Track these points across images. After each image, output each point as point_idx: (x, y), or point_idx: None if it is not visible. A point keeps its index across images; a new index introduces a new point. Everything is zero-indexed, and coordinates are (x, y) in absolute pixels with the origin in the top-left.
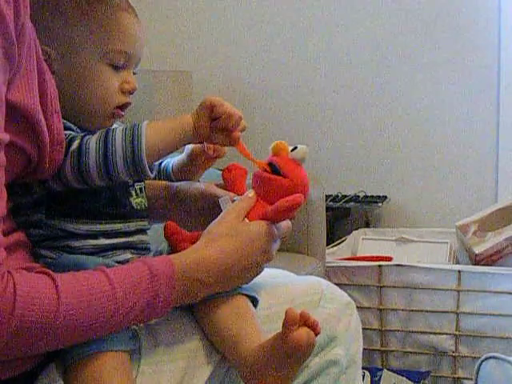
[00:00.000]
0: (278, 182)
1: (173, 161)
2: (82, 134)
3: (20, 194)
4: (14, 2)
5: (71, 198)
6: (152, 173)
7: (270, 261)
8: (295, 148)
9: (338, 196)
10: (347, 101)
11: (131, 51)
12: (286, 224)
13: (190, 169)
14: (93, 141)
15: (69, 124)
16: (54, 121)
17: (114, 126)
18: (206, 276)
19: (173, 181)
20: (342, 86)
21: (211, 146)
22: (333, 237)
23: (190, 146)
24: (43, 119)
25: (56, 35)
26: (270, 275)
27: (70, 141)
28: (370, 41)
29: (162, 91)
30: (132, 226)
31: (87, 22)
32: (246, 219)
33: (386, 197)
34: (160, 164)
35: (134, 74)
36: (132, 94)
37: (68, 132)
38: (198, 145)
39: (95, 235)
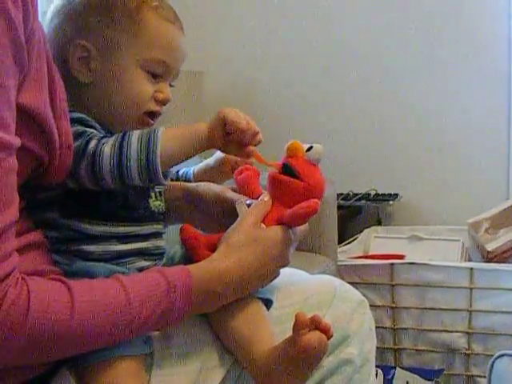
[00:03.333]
0: (293, 185)
1: (195, 167)
2: (101, 135)
3: (35, 190)
4: (23, 4)
5: (87, 198)
6: (166, 180)
7: (286, 266)
8: (310, 148)
9: (349, 194)
10: (358, 98)
11: (171, 62)
12: (302, 229)
13: (215, 174)
14: (109, 143)
15: (93, 123)
16: (63, 123)
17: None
18: (224, 288)
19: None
20: (353, 82)
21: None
22: (344, 235)
23: (220, 152)
24: (53, 122)
25: (100, 34)
26: (282, 274)
27: (88, 140)
28: (383, 37)
29: (173, 92)
30: (147, 229)
31: (134, 28)
32: (262, 224)
33: (397, 194)
34: (177, 172)
35: (170, 86)
36: (165, 104)
37: (90, 130)
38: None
39: (108, 238)
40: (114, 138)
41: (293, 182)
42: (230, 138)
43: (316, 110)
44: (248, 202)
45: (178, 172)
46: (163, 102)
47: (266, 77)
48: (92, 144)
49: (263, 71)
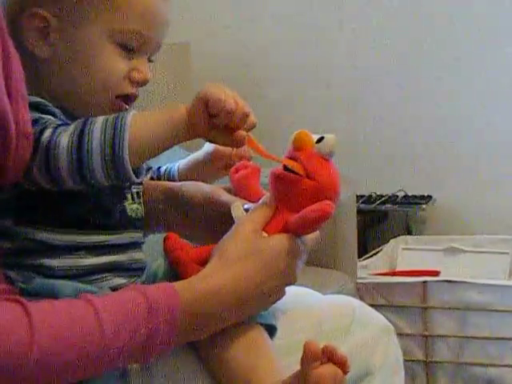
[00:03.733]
0: (301, 185)
1: (180, 162)
2: (59, 123)
3: None
4: None
5: (47, 200)
6: (138, 177)
7: (293, 283)
8: (321, 139)
9: (371, 196)
10: (384, 81)
11: (149, 33)
12: (312, 237)
13: (204, 172)
14: (67, 132)
15: (52, 109)
16: (20, 108)
17: None
18: (218, 309)
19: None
20: (383, 63)
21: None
22: (366, 247)
23: (210, 144)
24: (9, 107)
25: (61, 1)
26: (288, 295)
27: (43, 129)
28: (418, 29)
29: (154, 67)
30: (123, 238)
31: None
32: (263, 232)
33: (430, 197)
34: (159, 169)
35: (150, 61)
36: (142, 85)
37: (46, 117)
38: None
39: (76, 249)
40: (73, 125)
41: (300, 180)
42: (216, 123)
43: (326, 90)
44: (246, 205)
45: (159, 169)
46: (140, 83)
47: (266, 50)
48: (47, 133)
49: (263, 43)
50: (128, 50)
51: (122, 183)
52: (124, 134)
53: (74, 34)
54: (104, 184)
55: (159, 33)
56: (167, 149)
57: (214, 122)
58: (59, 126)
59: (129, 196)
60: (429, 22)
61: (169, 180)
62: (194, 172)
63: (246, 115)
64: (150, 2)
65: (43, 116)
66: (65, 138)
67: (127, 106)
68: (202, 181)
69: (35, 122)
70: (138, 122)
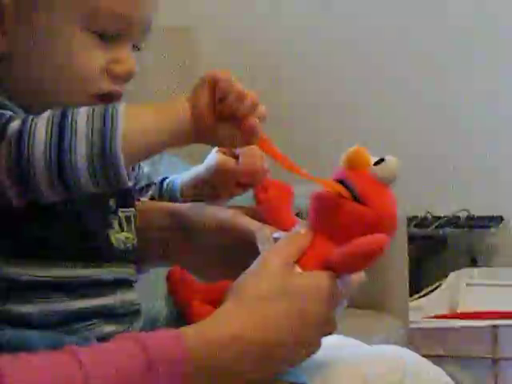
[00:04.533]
0: (354, 212)
1: (182, 177)
2: (27, 116)
3: None
4: None
5: (12, 225)
6: (129, 180)
7: (332, 332)
8: (381, 161)
9: (426, 218)
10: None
11: (130, 13)
12: (356, 278)
13: (208, 189)
14: (41, 123)
15: (14, 109)
16: None
17: None
18: (235, 363)
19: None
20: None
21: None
22: (420, 282)
23: (214, 153)
24: None
25: None
26: (327, 346)
27: (8, 120)
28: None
29: (154, 54)
30: (108, 274)
31: None
32: (297, 267)
33: (501, 218)
34: (162, 182)
35: (137, 49)
36: (127, 79)
37: (7, 112)
38: (226, 153)
39: (50, 289)
40: (48, 114)
41: (351, 206)
42: (222, 109)
43: (359, 85)
44: (276, 234)
45: (162, 182)
46: (123, 77)
47: (279, 35)
48: (15, 124)
49: (274, 27)
50: (105, 38)
51: (111, 187)
52: (116, 125)
53: (36, 21)
54: (89, 189)
55: (145, 12)
56: (166, 147)
57: (220, 108)
58: (27, 116)
59: (115, 222)
60: None
61: (171, 197)
62: (198, 192)
63: (256, 104)
64: None
65: (2, 111)
66: (41, 126)
67: None
68: (208, 202)
69: None
70: (131, 115)
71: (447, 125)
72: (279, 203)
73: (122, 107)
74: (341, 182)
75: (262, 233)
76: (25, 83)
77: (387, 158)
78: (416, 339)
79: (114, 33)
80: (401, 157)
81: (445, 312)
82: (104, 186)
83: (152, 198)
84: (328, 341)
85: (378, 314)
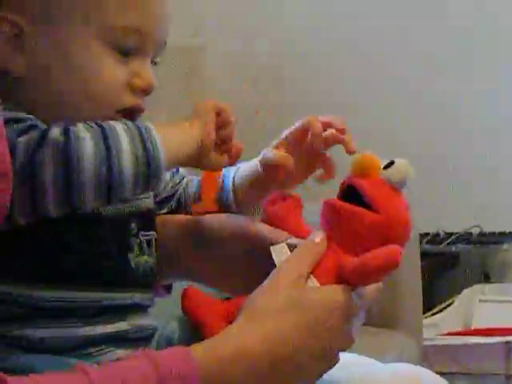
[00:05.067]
0: (364, 219)
1: (236, 170)
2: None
3: None
4: None
5: (26, 248)
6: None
7: (348, 348)
8: (391, 164)
9: (438, 235)
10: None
11: (149, 30)
12: (373, 289)
13: (262, 185)
14: (87, 134)
15: (40, 124)
16: None
17: None
18: (245, 378)
19: (230, 209)
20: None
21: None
22: (433, 299)
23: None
24: None
25: (32, 0)
26: (340, 365)
27: (47, 129)
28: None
29: (164, 73)
30: (124, 299)
31: None
32: (312, 279)
33: None
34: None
35: (154, 64)
36: (147, 93)
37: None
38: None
39: (64, 314)
40: (85, 126)
41: (363, 213)
42: (220, 136)
43: (369, 98)
44: (290, 240)
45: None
46: (145, 91)
47: (288, 53)
48: (55, 132)
49: (283, 45)
50: (125, 53)
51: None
52: (155, 138)
53: (56, 40)
54: (130, 196)
55: (162, 28)
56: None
57: (219, 135)
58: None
59: (135, 246)
60: None
61: (221, 199)
62: (254, 189)
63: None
64: None
65: (30, 116)
66: (88, 141)
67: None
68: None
69: (15, 121)
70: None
71: (448, 125)
72: (287, 214)
73: (152, 128)
74: (351, 188)
75: (279, 241)
76: (46, 104)
77: (397, 160)
78: (429, 356)
79: (133, 48)
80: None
81: (458, 328)
82: (145, 188)
83: (169, 212)
84: (341, 359)
85: (392, 332)
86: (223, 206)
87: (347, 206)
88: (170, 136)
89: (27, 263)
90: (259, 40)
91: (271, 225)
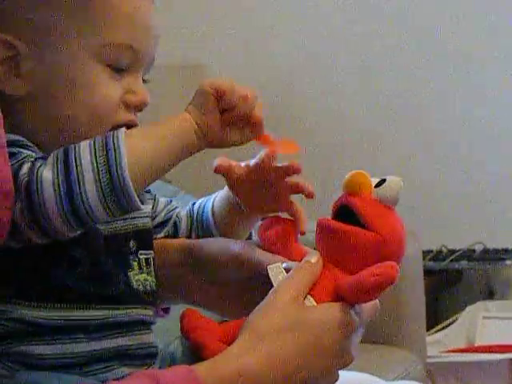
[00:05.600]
0: (358, 238)
1: (215, 196)
2: (37, 156)
3: None
4: None
5: (28, 268)
6: (142, 205)
7: (347, 365)
8: (382, 182)
9: (441, 252)
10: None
11: (140, 47)
12: (369, 307)
13: (235, 206)
14: (48, 163)
15: (34, 148)
16: None
17: None
18: None
19: (211, 234)
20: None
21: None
22: (436, 316)
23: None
24: None
25: (29, 19)
26: (344, 383)
27: (21, 165)
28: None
29: (168, 91)
30: (127, 316)
31: (80, 2)
32: (309, 298)
33: None
34: (193, 205)
35: (144, 81)
36: (141, 109)
37: (24, 152)
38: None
39: (70, 330)
40: (52, 155)
41: (357, 232)
42: (227, 117)
43: (368, 118)
44: (286, 264)
45: (192, 205)
46: (138, 107)
47: (288, 73)
48: (24, 169)
49: (284, 65)
50: (119, 69)
51: (128, 212)
52: (120, 150)
53: (52, 60)
54: (104, 220)
55: (152, 45)
56: (174, 165)
57: (227, 117)
58: (38, 158)
59: (135, 264)
60: None
61: (202, 225)
62: (231, 213)
63: (255, 96)
64: (138, 9)
65: (21, 150)
66: (47, 171)
67: None
68: (239, 230)
69: (11, 156)
70: (135, 136)
71: (461, 157)
72: (282, 238)
73: (121, 134)
74: (344, 207)
75: (273, 265)
76: (44, 123)
77: (388, 178)
78: (434, 374)
79: (126, 64)
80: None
81: (462, 346)
82: (117, 211)
83: (167, 236)
84: (345, 377)
85: (395, 349)
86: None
87: (341, 225)
88: (147, 132)
89: (24, 282)
90: (260, 54)
91: (267, 250)
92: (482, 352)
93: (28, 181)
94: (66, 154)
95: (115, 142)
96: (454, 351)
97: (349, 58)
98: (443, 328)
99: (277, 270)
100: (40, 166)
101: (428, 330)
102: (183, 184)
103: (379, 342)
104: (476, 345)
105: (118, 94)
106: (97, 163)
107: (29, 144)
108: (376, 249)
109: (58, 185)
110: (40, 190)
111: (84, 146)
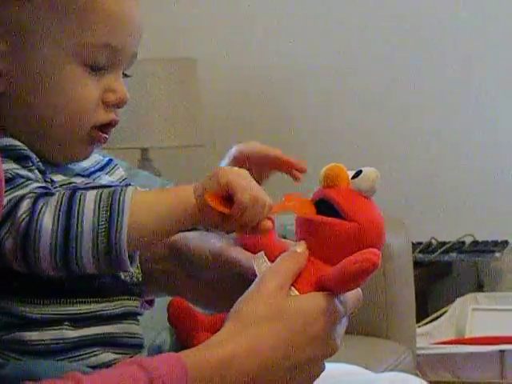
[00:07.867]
0: (337, 229)
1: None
2: (38, 191)
3: None
4: None
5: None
6: (132, 264)
7: (332, 354)
8: (359, 173)
9: (431, 244)
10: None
11: (119, 45)
12: (354, 295)
13: None
14: (49, 210)
15: (27, 152)
16: None
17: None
18: (235, 382)
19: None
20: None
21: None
22: (426, 308)
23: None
24: None
25: (6, 20)
26: (331, 375)
27: (20, 200)
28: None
29: (158, 84)
30: (115, 306)
31: (56, 1)
32: (293, 289)
33: (506, 242)
34: None
35: (126, 76)
36: (120, 107)
37: (23, 176)
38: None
39: (58, 321)
40: (56, 198)
41: (335, 223)
42: (236, 219)
43: (356, 109)
44: (265, 265)
45: None
46: (117, 105)
47: (277, 65)
48: (24, 206)
49: (273, 57)
50: (97, 68)
51: (112, 272)
52: (123, 218)
53: (30, 59)
54: (91, 272)
55: (133, 41)
56: (171, 235)
57: (232, 218)
58: (39, 196)
59: None
60: None
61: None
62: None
63: (268, 205)
64: (118, 6)
65: (20, 173)
66: (48, 218)
67: (106, 136)
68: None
69: (10, 181)
70: (140, 203)
71: (452, 151)
72: (262, 239)
73: (128, 196)
74: (322, 200)
75: (259, 256)
76: (24, 120)
77: (364, 169)
78: (423, 365)
79: (104, 64)
80: (404, 183)
81: (452, 337)
82: (106, 270)
83: None
84: (334, 369)
85: (385, 341)
86: None
87: (320, 218)
88: (152, 199)
89: (11, 279)
90: (250, 53)
91: (246, 249)
92: (472, 344)
93: (28, 221)
94: (70, 205)
95: (120, 206)
96: (443, 343)
97: (349, 57)
98: (433, 320)
99: (261, 259)
100: (42, 206)
101: (418, 321)
102: (173, 177)
103: (369, 334)
104: (466, 336)
105: (97, 94)
106: (98, 224)
107: (20, 146)
108: (356, 238)
109: (56, 237)
110: (38, 236)
111: (89, 200)
